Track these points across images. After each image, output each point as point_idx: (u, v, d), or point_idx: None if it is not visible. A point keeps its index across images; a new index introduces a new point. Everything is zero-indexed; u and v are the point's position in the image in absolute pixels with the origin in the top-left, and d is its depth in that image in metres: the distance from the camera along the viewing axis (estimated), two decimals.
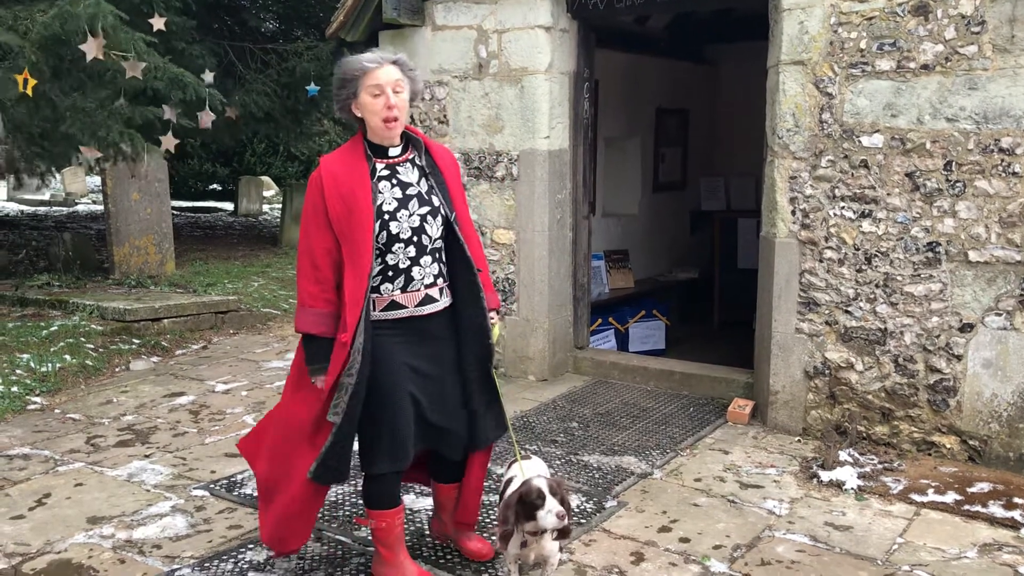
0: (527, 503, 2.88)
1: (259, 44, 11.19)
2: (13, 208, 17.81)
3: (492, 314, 3.28)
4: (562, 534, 3.00)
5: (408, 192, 3.09)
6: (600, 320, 6.95)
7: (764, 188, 5.05)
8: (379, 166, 3.10)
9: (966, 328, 4.45)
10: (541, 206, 5.86)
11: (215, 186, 20.89)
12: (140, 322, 7.22)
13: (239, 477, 4.37)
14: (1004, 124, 4.27)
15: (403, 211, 3.05)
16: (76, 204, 18.79)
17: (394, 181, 3.09)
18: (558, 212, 5.97)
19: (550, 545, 3.03)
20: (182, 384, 6.06)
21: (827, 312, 4.81)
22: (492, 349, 3.24)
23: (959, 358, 4.48)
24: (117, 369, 6.44)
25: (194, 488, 4.24)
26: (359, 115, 3.07)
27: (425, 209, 3.09)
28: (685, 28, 7.96)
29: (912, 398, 4.61)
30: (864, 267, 4.67)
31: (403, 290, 3.08)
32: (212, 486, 4.26)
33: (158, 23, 6.35)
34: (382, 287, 3.07)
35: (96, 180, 19.10)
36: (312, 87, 7.27)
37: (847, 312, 4.74)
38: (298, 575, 3.38)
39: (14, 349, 6.34)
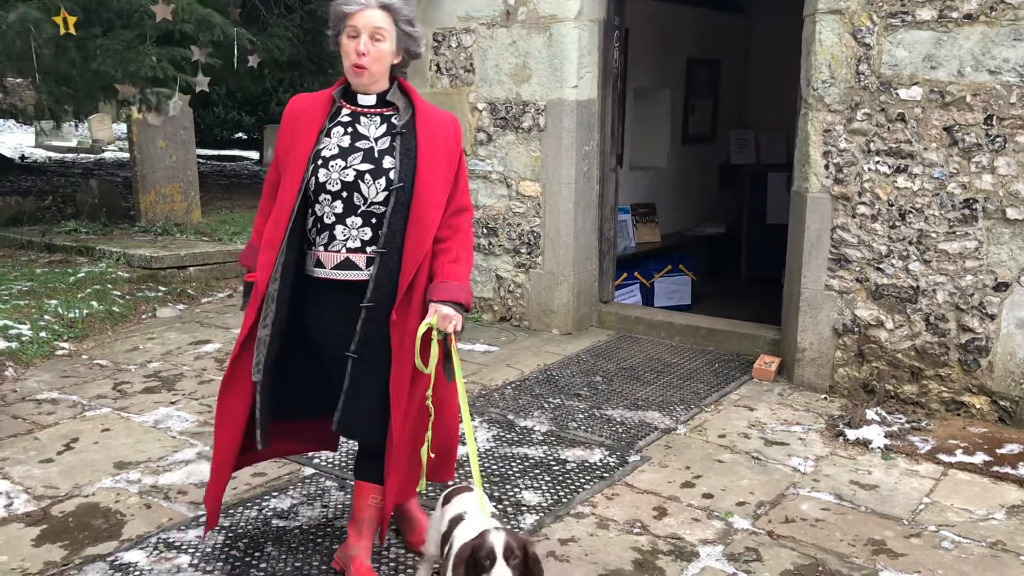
0: (477, 561, 2.40)
1: None
2: (41, 155, 17.92)
3: (438, 306, 2.77)
4: None
5: (357, 144, 2.80)
6: (625, 274, 6.88)
7: (797, 141, 4.94)
8: (344, 111, 2.85)
9: (1001, 287, 4.36)
10: (568, 158, 5.77)
11: (240, 135, 20.86)
12: (166, 270, 7.26)
13: None
14: None
15: (339, 161, 2.77)
16: (103, 151, 18.88)
17: (349, 129, 2.82)
18: (585, 164, 5.88)
19: None
20: (208, 332, 6.09)
21: (858, 269, 4.72)
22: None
23: (992, 317, 4.39)
24: (143, 316, 6.49)
25: None
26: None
27: (367, 166, 2.76)
28: None
29: (943, 357, 4.54)
30: (898, 223, 4.57)
31: (326, 247, 2.81)
32: None
33: None
34: (317, 239, 2.83)
35: (123, 127, 19.14)
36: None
37: (879, 269, 4.66)
38: (322, 523, 3.40)
39: (42, 295, 6.39)
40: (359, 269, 2.81)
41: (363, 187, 2.77)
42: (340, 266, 2.82)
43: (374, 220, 2.79)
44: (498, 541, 2.40)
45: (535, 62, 5.78)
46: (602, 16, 5.80)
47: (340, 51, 2.83)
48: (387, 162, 2.78)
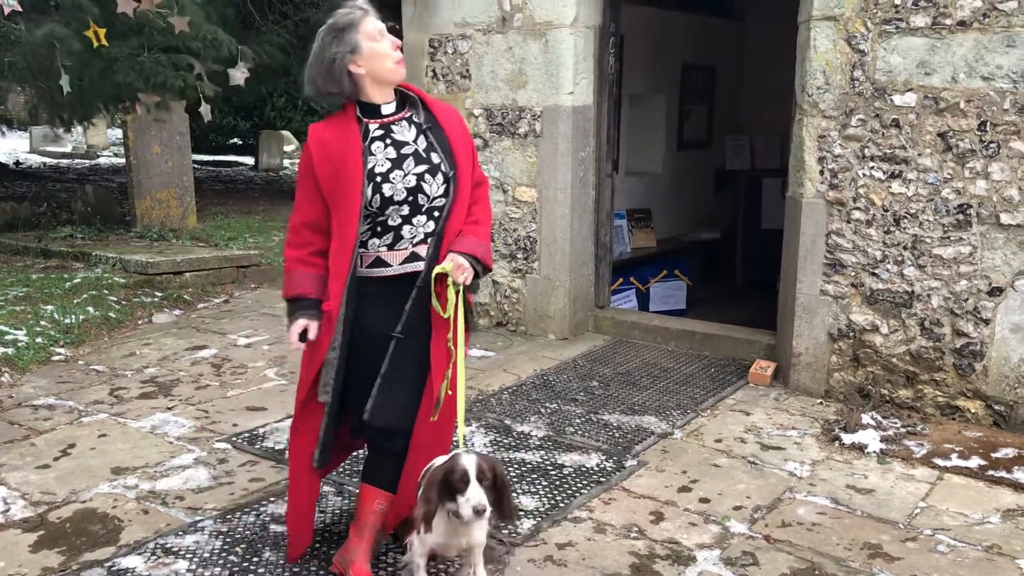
0: (450, 483, 2.54)
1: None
2: (36, 160, 17.90)
3: (455, 255, 2.89)
4: (500, 514, 2.59)
5: (403, 151, 2.91)
6: (621, 279, 6.90)
7: (792, 147, 4.96)
8: (372, 127, 2.93)
9: (995, 292, 4.38)
10: (564, 164, 5.79)
11: (236, 140, 20.85)
12: (162, 275, 7.25)
13: (261, 430, 4.40)
14: None
15: (397, 171, 2.87)
16: (98, 157, 18.86)
17: (388, 141, 2.91)
18: (581, 170, 5.90)
19: (479, 534, 2.65)
20: (204, 337, 6.09)
21: (853, 274, 4.74)
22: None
23: (987, 322, 4.41)
24: (140, 322, 6.48)
25: (216, 441, 4.27)
26: (362, 71, 2.86)
27: (423, 167, 2.90)
28: None
29: (937, 362, 4.56)
30: (892, 229, 4.60)
31: (390, 247, 2.91)
32: (234, 439, 4.29)
33: None
34: (369, 242, 2.92)
35: (117, 133, 19.13)
36: None
37: (873, 274, 4.68)
38: (319, 528, 3.40)
39: (38, 300, 6.39)
40: (422, 260, 2.95)
41: (425, 187, 2.91)
42: (407, 260, 2.94)
43: (436, 213, 2.95)
44: (470, 463, 2.53)
45: (531, 68, 5.80)
46: (597, 23, 5.83)
47: (353, 72, 2.87)
48: (435, 158, 2.94)
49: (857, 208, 4.68)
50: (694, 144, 8.32)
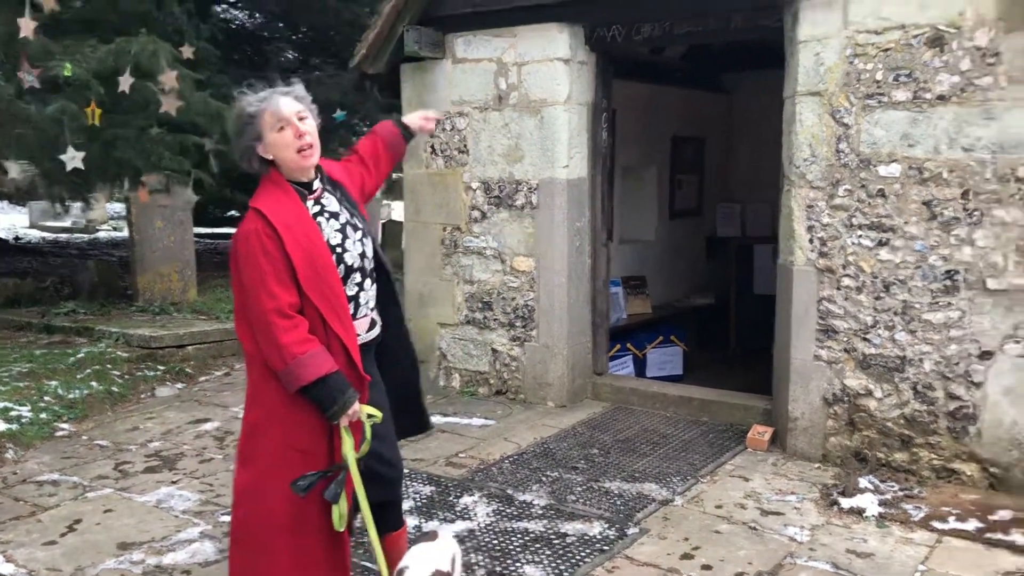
0: None
1: (281, 74, 11.38)
2: (35, 235, 18.05)
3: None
4: None
5: (341, 220, 2.95)
6: (618, 346, 6.99)
7: (781, 216, 5.11)
8: (308, 202, 2.92)
9: (985, 355, 4.48)
10: (560, 234, 5.93)
11: (233, 212, 21.05)
12: (164, 349, 7.32)
13: None
14: (1021, 154, 4.31)
15: (348, 240, 2.93)
16: (97, 231, 19.02)
17: (326, 214, 2.92)
18: (577, 240, 6.04)
19: None
20: (207, 410, 6.14)
21: (845, 339, 4.84)
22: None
23: (979, 385, 4.50)
24: (143, 396, 6.54)
25: (222, 514, 4.30)
26: (270, 157, 2.86)
27: (359, 233, 2.98)
28: (701, 57, 8.06)
29: (932, 425, 4.64)
30: (882, 295, 4.72)
31: (353, 317, 2.94)
32: None
33: (187, 52, 6.59)
34: None
35: (115, 207, 19.33)
36: (339, 113, 7.39)
37: (865, 339, 4.78)
38: None
39: (42, 376, 6.44)
40: (377, 324, 3.12)
41: (365, 249, 3.01)
42: (370, 327, 3.08)
43: (372, 275, 3.07)
44: None
45: (527, 143, 5.98)
46: (590, 99, 6.03)
47: (262, 156, 2.87)
48: (358, 222, 3.02)
49: (847, 275, 4.81)
50: (685, 212, 8.50)
